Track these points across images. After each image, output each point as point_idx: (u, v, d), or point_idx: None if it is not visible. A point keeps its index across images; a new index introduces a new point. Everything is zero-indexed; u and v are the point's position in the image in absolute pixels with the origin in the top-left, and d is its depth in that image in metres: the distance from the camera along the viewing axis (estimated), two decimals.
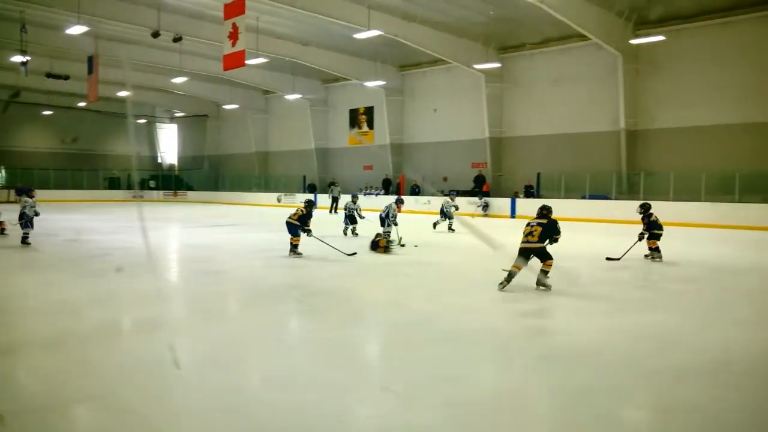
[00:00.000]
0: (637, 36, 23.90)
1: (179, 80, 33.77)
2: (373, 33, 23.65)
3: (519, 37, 27.36)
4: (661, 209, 21.82)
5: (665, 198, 22.93)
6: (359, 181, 34.38)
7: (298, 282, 9.49)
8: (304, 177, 38.28)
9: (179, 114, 48.31)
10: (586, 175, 25.73)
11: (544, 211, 8.69)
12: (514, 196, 27.35)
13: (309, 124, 38.16)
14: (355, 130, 36.94)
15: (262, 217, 25.65)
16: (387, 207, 14.99)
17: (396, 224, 14.46)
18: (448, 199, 19.14)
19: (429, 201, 29.62)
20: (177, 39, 24.80)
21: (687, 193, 22.58)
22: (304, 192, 36.53)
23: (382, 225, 14.70)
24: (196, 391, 4.53)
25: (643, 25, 24.00)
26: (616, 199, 24.79)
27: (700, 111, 23.28)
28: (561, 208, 24.33)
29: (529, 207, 25.65)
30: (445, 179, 31.54)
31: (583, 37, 24.05)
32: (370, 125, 36.02)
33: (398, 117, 34.12)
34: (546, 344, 5.93)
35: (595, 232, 18.51)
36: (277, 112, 41.34)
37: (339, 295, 8.50)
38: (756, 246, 11.65)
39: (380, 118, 34.83)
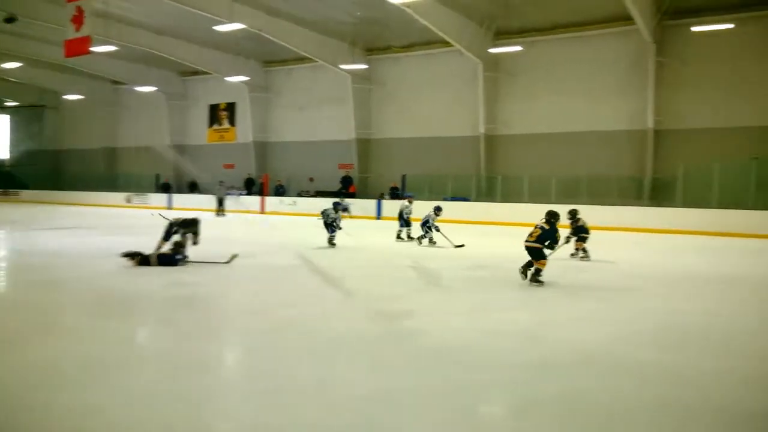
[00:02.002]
0: (496, 45, 25.08)
1: (11, 65, 30.38)
2: (236, 26, 22.74)
3: (386, 40, 27.66)
4: (516, 211, 23.41)
5: (520, 200, 24.19)
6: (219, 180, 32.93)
7: (150, 290, 8.44)
8: (158, 176, 35.99)
9: (11, 103, 43.52)
10: (449, 178, 26.51)
11: (550, 217, 9.10)
12: (379, 198, 27.55)
13: (165, 118, 35.99)
14: (216, 126, 35.40)
15: (109, 219, 23.58)
16: (427, 215, 14.99)
17: (436, 229, 14.65)
18: (405, 202, 16.38)
19: (294, 202, 29.07)
20: (10, 19, 22.16)
21: (540, 195, 23.94)
22: (157, 192, 34.31)
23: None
24: (22, 412, 3.88)
25: (503, 35, 25.29)
26: (475, 201, 25.76)
27: (551, 119, 24.93)
28: (425, 209, 25.20)
29: (395, 208, 26.00)
30: (312, 180, 31.13)
31: (446, 43, 24.81)
32: (232, 122, 34.72)
33: (262, 114, 33.21)
34: (413, 345, 5.76)
35: (456, 233, 19.00)
36: (129, 104, 38.54)
37: (195, 303, 7.78)
38: (600, 245, 12.64)
39: (243, 114, 33.71)
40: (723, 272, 11.41)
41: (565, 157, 24.42)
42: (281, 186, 31.10)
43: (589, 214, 18.29)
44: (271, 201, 29.97)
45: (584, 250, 12.29)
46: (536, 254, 8.89)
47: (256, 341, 5.88)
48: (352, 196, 28.01)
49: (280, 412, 3.98)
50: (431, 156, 27.51)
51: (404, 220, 15.96)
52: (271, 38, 25.26)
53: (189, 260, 10.25)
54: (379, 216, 26.60)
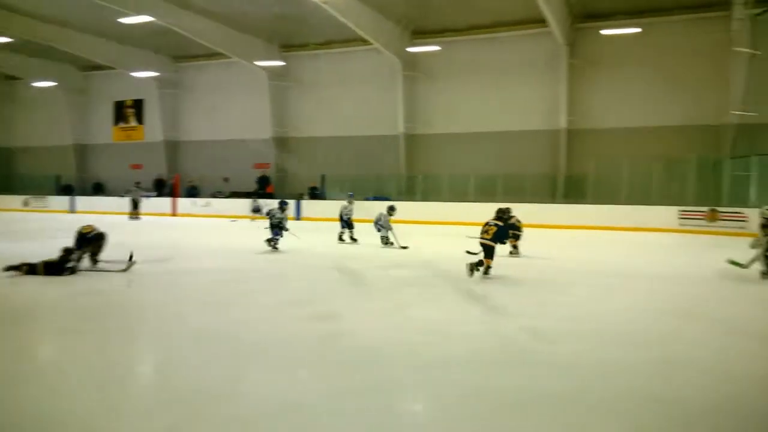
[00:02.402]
0: (414, 44, 25.19)
1: None
2: (143, 19, 21.62)
3: (303, 36, 27.13)
4: (437, 210, 23.63)
5: (440, 199, 24.44)
6: (127, 181, 31.21)
7: (48, 299, 7.82)
8: (58, 177, 33.72)
9: None
10: (370, 178, 26.38)
11: (501, 215, 9.73)
12: (299, 198, 27.00)
13: (65, 116, 33.78)
14: (122, 124, 33.60)
15: (6, 224, 21.83)
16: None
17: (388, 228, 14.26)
18: (345, 203, 15.70)
19: (208, 203, 28.06)
20: None
21: (459, 194, 24.27)
22: (58, 194, 32.15)
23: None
24: None
25: (420, 35, 25.43)
26: (397, 200, 25.72)
27: (469, 118, 25.32)
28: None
29: (314, 208, 25.63)
30: (226, 180, 30.13)
31: (365, 42, 24.64)
32: (140, 120, 33.04)
33: (173, 112, 31.82)
34: (337, 346, 5.71)
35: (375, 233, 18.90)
36: (23, 100, 35.70)
37: (102, 310, 7.24)
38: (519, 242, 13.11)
39: (152, 112, 32.16)
40: (635, 265, 11.85)
41: (483, 156, 24.87)
42: (194, 187, 29.88)
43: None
44: (184, 203, 28.73)
45: (515, 247, 12.44)
46: (489, 251, 9.35)
47: (174, 349, 5.59)
48: (270, 196, 27.27)
49: (196, 423, 3.85)
50: (351, 155, 27.27)
51: (344, 222, 15.36)
52: (181, 32, 24.17)
53: (81, 269, 9.47)
54: (298, 217, 26.06)
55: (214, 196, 29.19)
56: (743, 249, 10.48)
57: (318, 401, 4.22)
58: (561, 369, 4.98)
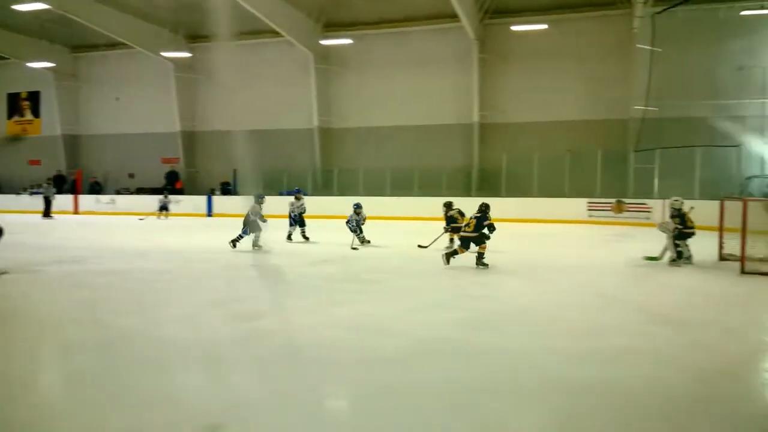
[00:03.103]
0: (326, 37, 24.71)
1: None
2: (37, 6, 20.18)
3: (210, 27, 26.02)
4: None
5: (356, 193, 24.08)
6: (23, 178, 29.20)
7: None
8: None
9: None
10: (284, 172, 25.72)
11: (482, 207, 10.35)
12: (210, 194, 26.03)
13: None
14: (17, 117, 31.31)
15: None
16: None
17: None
18: (292, 199, 14.99)
19: (113, 200, 26.62)
20: None
21: (375, 188, 24.04)
22: None
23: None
24: None
25: (332, 28, 24.98)
26: (312, 195, 25.20)
27: (383, 112, 25.08)
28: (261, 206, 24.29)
29: (227, 205, 24.75)
30: (132, 176, 28.69)
31: (276, 33, 24.01)
32: (36, 113, 30.88)
33: (72, 105, 29.93)
34: (262, 346, 5.51)
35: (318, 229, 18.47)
36: None
37: (12, 315, 6.82)
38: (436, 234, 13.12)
39: (49, 105, 30.12)
40: (553, 257, 12.07)
41: (399, 150, 24.74)
42: (97, 183, 28.31)
43: (422, 205, 18.79)
44: (86, 200, 27.12)
45: (452, 241, 12.36)
46: (477, 240, 10.05)
47: (89, 355, 5.22)
48: (179, 192, 26.22)
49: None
50: (265, 150, 26.36)
51: (293, 219, 14.58)
52: (80, 21, 22.68)
53: None
54: (210, 213, 25.17)
55: (118, 192, 27.74)
56: (649, 239, 10.80)
57: (242, 401, 4.11)
58: (492, 361, 5.04)
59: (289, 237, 14.49)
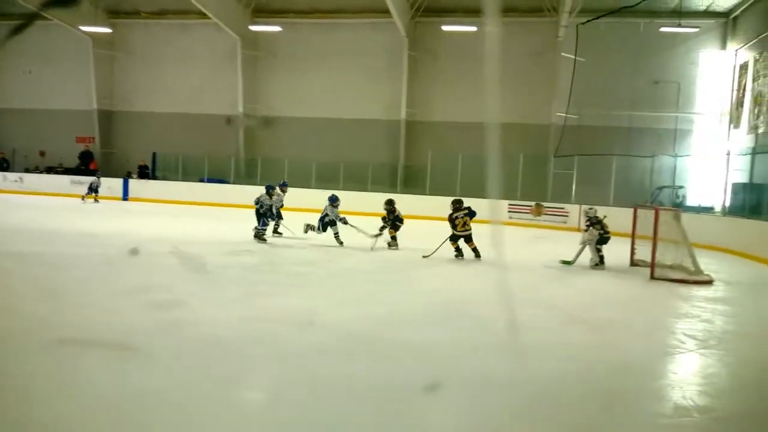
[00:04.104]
0: (255, 23, 24.07)
1: None
2: None
3: (133, 3, 24.91)
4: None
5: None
6: None
7: None
8: None
9: None
10: (205, 158, 24.91)
11: (461, 204, 11.16)
12: (127, 177, 24.86)
13: None
14: None
15: None
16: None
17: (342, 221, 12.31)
18: (278, 191, 13.68)
19: (21, 178, 25.04)
20: None
21: (300, 179, 23.63)
22: None
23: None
24: None
25: (262, 14, 24.39)
26: (234, 183, 24.56)
27: (312, 103, 24.73)
28: (178, 191, 23.46)
29: (144, 189, 23.74)
30: (42, 154, 27.07)
31: (203, 15, 23.13)
32: None
33: None
34: (180, 337, 5.32)
35: (215, 218, 17.91)
36: None
37: None
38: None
39: None
40: (471, 255, 12.03)
41: (326, 143, 24.43)
42: (4, 160, 26.68)
43: (348, 199, 18.54)
44: None
45: (394, 239, 12.23)
46: (469, 238, 11.05)
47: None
48: (93, 173, 24.84)
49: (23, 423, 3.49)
50: (186, 134, 25.59)
51: (276, 212, 13.45)
52: None
53: None
54: (125, 197, 24.06)
55: (27, 171, 26.09)
56: (565, 242, 11.10)
57: (160, 394, 3.97)
58: (408, 356, 5.06)
59: (275, 231, 13.53)
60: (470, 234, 11.18)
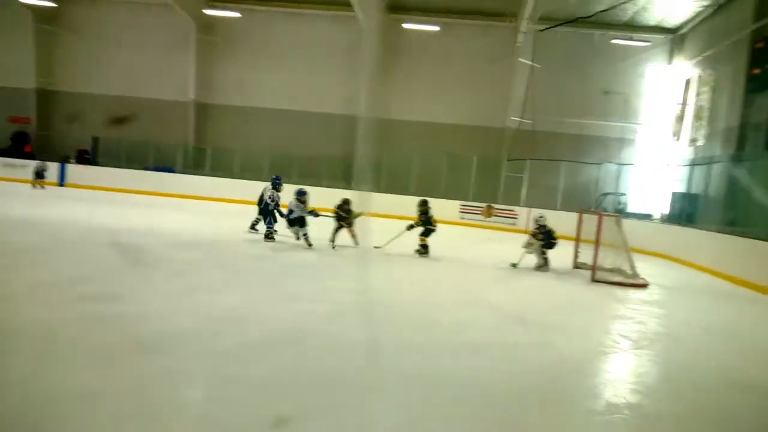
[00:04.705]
0: (211, 7, 23.51)
1: None
2: None
3: None
4: (227, 186, 22.39)
5: (231, 175, 23.23)
6: None
7: None
8: None
9: None
10: (151, 146, 24.17)
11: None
12: (63, 161, 23.71)
13: None
14: None
15: None
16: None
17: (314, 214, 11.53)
18: (268, 186, 12.35)
19: None
20: None
21: (251, 171, 23.25)
22: None
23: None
24: None
25: None
26: (182, 173, 23.93)
27: (268, 94, 24.30)
28: (121, 179, 22.67)
29: (84, 175, 22.88)
30: None
31: None
32: None
33: None
34: (115, 333, 5.02)
35: (160, 208, 17.36)
36: None
37: None
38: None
39: None
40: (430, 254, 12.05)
41: (280, 135, 24.05)
42: None
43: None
44: None
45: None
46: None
47: None
48: (29, 156, 23.72)
49: None
50: (132, 119, 24.74)
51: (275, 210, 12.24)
52: None
53: None
54: (62, 183, 23.03)
55: None
56: (515, 243, 11.20)
57: (87, 391, 3.77)
58: (348, 355, 4.98)
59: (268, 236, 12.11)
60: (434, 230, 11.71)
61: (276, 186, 12.15)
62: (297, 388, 4.14)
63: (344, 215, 11.77)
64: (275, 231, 11.68)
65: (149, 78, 24.60)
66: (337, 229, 11.66)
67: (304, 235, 11.12)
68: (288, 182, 22.14)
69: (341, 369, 4.58)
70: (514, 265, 11.06)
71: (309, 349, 5.03)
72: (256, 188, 21.43)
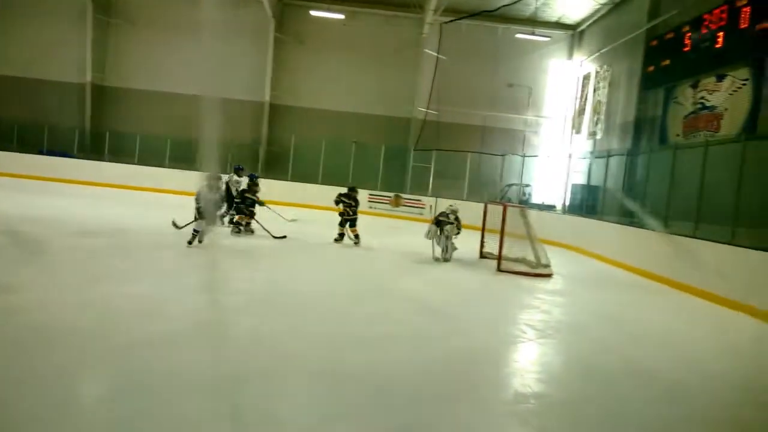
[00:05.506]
0: None
1: None
2: None
3: None
4: (126, 172, 21.39)
5: (131, 161, 22.24)
6: None
7: None
8: None
9: None
10: (44, 128, 22.70)
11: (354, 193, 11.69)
12: None
13: None
14: None
15: None
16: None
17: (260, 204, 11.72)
18: (235, 177, 12.45)
19: None
20: None
21: (152, 157, 22.33)
22: None
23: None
24: None
25: None
26: (78, 158, 22.61)
27: (167, 77, 23.35)
28: (14, 163, 21.11)
29: None
30: None
31: None
32: None
33: None
34: (11, 326, 4.87)
35: (57, 194, 16.37)
36: None
37: None
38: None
39: None
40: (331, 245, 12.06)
41: (181, 120, 23.10)
42: None
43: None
44: None
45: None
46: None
47: None
48: None
49: None
50: (22, 101, 23.09)
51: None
52: None
53: None
54: None
55: None
56: (421, 233, 11.32)
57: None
58: (254, 347, 4.97)
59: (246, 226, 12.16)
60: (356, 219, 11.84)
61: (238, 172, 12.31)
62: (209, 382, 4.09)
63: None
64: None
65: (42, 58, 23.18)
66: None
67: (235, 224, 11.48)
68: (191, 168, 21.68)
69: (246, 364, 4.50)
70: (445, 260, 10.97)
71: (209, 341, 4.93)
72: (158, 175, 20.90)
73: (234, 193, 12.17)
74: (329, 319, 6.11)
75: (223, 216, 12.40)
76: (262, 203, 11.79)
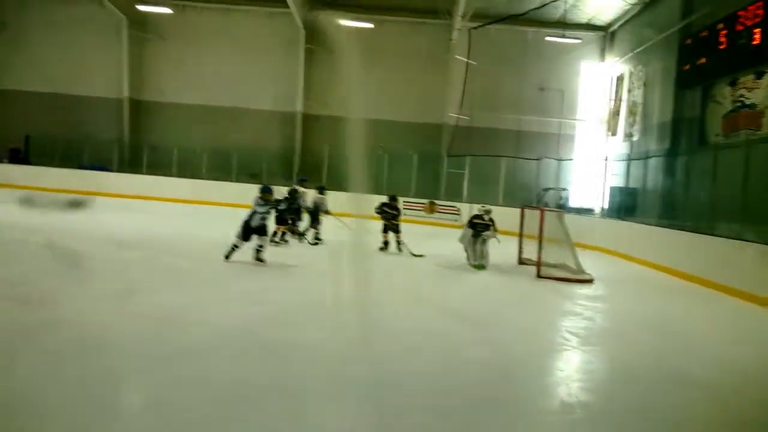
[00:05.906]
0: (143, 2, 22.77)
1: None
2: None
3: None
4: (165, 185, 21.77)
5: (169, 173, 22.66)
6: None
7: None
8: None
9: None
10: (85, 143, 23.29)
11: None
12: None
13: None
14: None
15: None
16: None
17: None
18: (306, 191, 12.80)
19: None
20: None
21: (190, 169, 22.73)
22: None
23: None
24: None
25: None
26: (118, 171, 23.13)
27: (204, 90, 23.82)
28: (54, 178, 21.67)
29: (13, 174, 21.82)
30: None
31: None
32: None
33: None
34: (51, 338, 4.93)
35: (96, 208, 16.72)
36: None
37: None
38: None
39: None
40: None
41: (218, 132, 23.57)
42: None
43: (243, 191, 18.00)
44: None
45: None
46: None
47: None
48: None
49: None
50: (63, 116, 23.75)
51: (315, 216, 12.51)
52: None
53: None
54: None
55: None
56: (457, 240, 11.22)
57: (26, 400, 3.69)
58: (287, 357, 4.96)
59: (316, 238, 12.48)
60: (398, 226, 11.84)
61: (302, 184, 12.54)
62: (242, 390, 4.10)
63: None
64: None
65: (81, 74, 23.87)
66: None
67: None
68: (228, 179, 21.98)
69: (285, 374, 4.53)
70: (480, 267, 10.63)
71: (246, 350, 5.00)
72: (194, 187, 21.24)
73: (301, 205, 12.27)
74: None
75: (302, 232, 12.43)
76: (329, 213, 12.20)
